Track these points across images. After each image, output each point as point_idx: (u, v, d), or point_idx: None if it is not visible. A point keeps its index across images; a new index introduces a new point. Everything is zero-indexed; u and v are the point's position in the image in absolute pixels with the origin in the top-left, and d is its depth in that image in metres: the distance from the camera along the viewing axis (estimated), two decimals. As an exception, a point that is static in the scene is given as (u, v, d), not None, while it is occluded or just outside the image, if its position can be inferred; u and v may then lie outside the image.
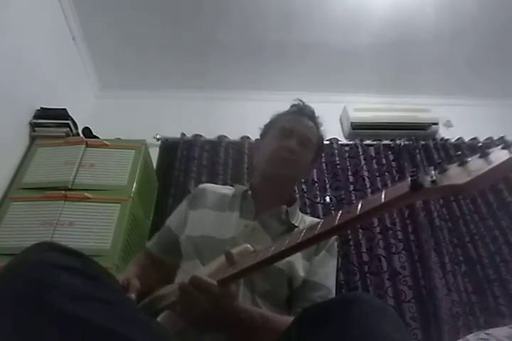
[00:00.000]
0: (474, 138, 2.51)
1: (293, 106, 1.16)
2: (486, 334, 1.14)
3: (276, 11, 2.27)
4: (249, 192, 1.04)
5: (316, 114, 1.16)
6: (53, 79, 2.18)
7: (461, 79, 2.68)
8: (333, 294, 0.91)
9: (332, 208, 2.13)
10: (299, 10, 2.26)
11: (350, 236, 2.03)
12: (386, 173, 2.30)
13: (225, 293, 0.65)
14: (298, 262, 0.90)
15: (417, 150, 2.41)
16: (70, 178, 1.82)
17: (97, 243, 1.64)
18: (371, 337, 0.53)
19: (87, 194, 1.78)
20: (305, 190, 2.18)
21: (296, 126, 1.07)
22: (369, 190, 2.22)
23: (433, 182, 0.44)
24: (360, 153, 2.38)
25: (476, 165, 0.42)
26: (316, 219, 1.10)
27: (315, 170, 2.28)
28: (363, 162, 2.34)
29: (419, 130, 2.55)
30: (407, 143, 2.45)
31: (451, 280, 1.90)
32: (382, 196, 0.49)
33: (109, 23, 2.32)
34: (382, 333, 0.53)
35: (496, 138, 2.51)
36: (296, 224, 0.99)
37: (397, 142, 2.46)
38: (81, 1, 2.22)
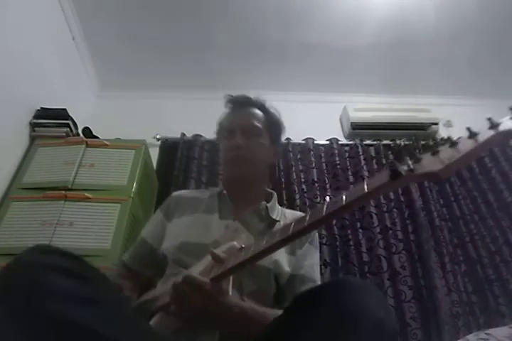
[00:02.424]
0: (474, 138, 2.51)
1: (227, 104, 1.14)
2: (486, 334, 1.14)
3: (276, 11, 2.27)
4: (225, 192, 1.04)
5: (254, 97, 1.13)
6: (53, 79, 2.18)
7: (461, 79, 2.68)
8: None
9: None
10: (299, 10, 2.26)
11: (350, 237, 2.03)
12: (386, 173, 2.30)
13: (217, 290, 0.66)
14: (282, 258, 0.90)
15: (417, 151, 2.41)
16: (70, 178, 1.82)
17: (97, 243, 1.64)
18: (357, 316, 0.55)
19: (87, 194, 1.78)
20: (305, 190, 2.18)
21: (234, 121, 1.07)
22: (369, 190, 2.22)
23: (410, 170, 0.49)
24: (360, 153, 2.38)
25: (447, 154, 0.48)
26: (297, 212, 1.14)
27: (315, 170, 2.28)
28: (363, 162, 2.34)
29: (419, 130, 2.54)
30: (407, 143, 2.45)
31: (451, 280, 1.90)
32: (365, 186, 0.53)
33: (109, 23, 2.32)
34: (367, 312, 0.56)
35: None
36: (277, 219, 0.99)
37: (397, 142, 2.46)
38: (81, 1, 2.22)
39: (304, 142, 2.45)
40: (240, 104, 1.11)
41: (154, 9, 2.24)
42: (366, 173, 2.29)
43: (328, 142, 2.46)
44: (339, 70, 2.63)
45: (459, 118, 2.65)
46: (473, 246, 2.04)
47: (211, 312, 0.66)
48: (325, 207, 0.57)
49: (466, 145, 0.47)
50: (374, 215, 2.12)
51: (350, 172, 2.30)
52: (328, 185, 2.25)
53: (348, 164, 2.35)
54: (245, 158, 1.00)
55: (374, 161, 2.36)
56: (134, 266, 1.02)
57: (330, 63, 2.58)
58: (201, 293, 0.65)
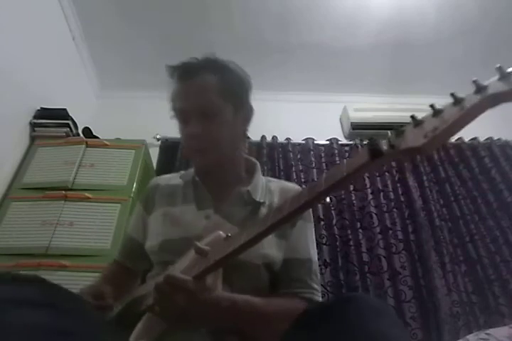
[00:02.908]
0: (474, 138, 2.51)
1: (172, 75, 0.92)
2: (486, 334, 1.14)
3: (276, 11, 2.27)
4: (197, 178, 0.94)
5: (201, 59, 0.92)
6: (53, 79, 2.18)
7: (461, 79, 2.67)
8: (316, 262, 0.88)
9: (332, 208, 2.13)
10: (300, 10, 2.26)
11: (350, 237, 2.03)
12: (386, 173, 2.30)
13: (201, 287, 0.63)
14: (272, 246, 0.83)
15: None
16: (70, 178, 1.82)
17: (97, 243, 1.64)
18: (369, 336, 0.53)
19: (87, 194, 1.78)
20: (305, 190, 2.18)
21: (183, 103, 0.88)
22: (369, 190, 2.22)
23: (391, 146, 0.44)
24: (360, 153, 2.38)
25: (431, 124, 0.42)
26: (285, 184, 1.01)
27: (315, 170, 2.28)
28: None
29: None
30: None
31: (451, 280, 1.90)
32: (344, 168, 0.50)
33: (109, 23, 2.32)
34: (380, 332, 0.53)
35: (495, 138, 2.51)
36: (261, 201, 0.89)
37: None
38: (81, 1, 2.22)
39: (303, 142, 2.45)
40: (184, 78, 0.89)
41: (154, 9, 2.24)
42: (366, 173, 2.29)
43: (328, 142, 2.46)
44: (339, 70, 2.63)
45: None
46: (473, 246, 2.04)
47: (197, 311, 0.64)
48: (306, 192, 0.54)
49: (451, 114, 0.41)
50: (374, 215, 2.12)
51: (350, 172, 2.29)
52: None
53: (348, 164, 2.34)
54: (207, 149, 0.86)
55: (374, 161, 2.36)
56: (126, 264, 1.00)
57: (330, 63, 2.58)
58: (184, 293, 0.62)
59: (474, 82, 0.41)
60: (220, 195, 0.90)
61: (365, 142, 2.46)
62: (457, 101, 0.42)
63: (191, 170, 0.98)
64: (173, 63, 0.91)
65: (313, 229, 0.94)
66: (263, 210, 0.87)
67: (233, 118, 0.89)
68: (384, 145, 0.46)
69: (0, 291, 0.47)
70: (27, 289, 0.50)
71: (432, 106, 0.43)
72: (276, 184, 0.98)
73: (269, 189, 0.94)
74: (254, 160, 1.01)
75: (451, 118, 0.41)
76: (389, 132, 0.49)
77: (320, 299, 0.84)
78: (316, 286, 0.83)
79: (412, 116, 0.45)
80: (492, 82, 0.41)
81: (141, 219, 0.98)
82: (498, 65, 0.40)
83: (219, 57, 0.93)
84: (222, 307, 0.66)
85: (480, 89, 0.41)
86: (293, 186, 0.99)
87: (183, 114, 0.89)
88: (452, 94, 0.42)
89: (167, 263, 0.79)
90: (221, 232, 0.70)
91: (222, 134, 0.87)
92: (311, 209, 0.96)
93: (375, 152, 0.46)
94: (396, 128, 0.46)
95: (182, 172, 1.02)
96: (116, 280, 0.95)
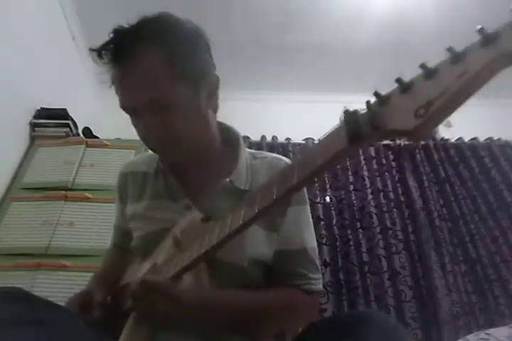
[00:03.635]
0: (474, 138, 2.51)
1: (99, 54, 0.73)
2: (486, 334, 1.14)
3: (276, 12, 2.27)
4: (161, 166, 0.81)
5: (137, 27, 0.73)
6: (53, 79, 2.18)
7: (461, 79, 2.68)
8: (313, 249, 0.79)
9: (332, 208, 2.13)
10: (300, 10, 2.26)
11: (350, 237, 2.03)
12: (386, 173, 2.30)
13: (180, 288, 0.59)
14: (259, 243, 0.74)
15: (417, 150, 2.41)
16: (70, 178, 1.82)
17: (97, 243, 1.64)
18: None
19: (87, 194, 1.78)
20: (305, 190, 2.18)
21: (127, 96, 0.69)
22: (369, 190, 2.22)
23: (375, 128, 0.34)
24: (360, 153, 2.38)
25: (424, 93, 0.31)
26: (275, 158, 0.85)
27: (315, 170, 2.28)
28: (363, 162, 2.34)
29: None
30: (407, 143, 2.45)
31: (451, 280, 1.90)
32: (318, 154, 0.41)
33: (109, 23, 2.30)
34: None
35: (495, 138, 2.51)
36: (246, 188, 0.76)
37: (397, 142, 2.46)
38: (81, 1, 2.22)
39: (303, 142, 2.45)
40: (121, 55, 0.69)
41: (155, 9, 2.24)
42: (366, 173, 2.29)
43: (328, 142, 2.45)
44: (339, 70, 2.63)
45: (459, 118, 2.65)
46: (473, 246, 2.04)
47: (180, 313, 0.59)
48: (275, 187, 0.46)
49: (450, 78, 0.29)
50: (374, 215, 2.12)
51: (350, 172, 2.30)
52: (328, 185, 2.25)
53: (348, 164, 2.35)
54: (170, 148, 0.72)
55: (374, 161, 2.36)
56: (123, 244, 0.92)
57: (330, 63, 2.58)
58: (162, 296, 0.57)
59: (480, 30, 0.29)
60: (197, 185, 0.77)
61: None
62: (456, 57, 0.30)
63: (156, 156, 0.81)
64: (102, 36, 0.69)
65: (309, 211, 0.83)
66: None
67: (193, 99, 0.70)
68: (364, 125, 0.35)
69: None
70: (12, 307, 0.48)
71: (422, 65, 0.32)
72: (262, 161, 0.83)
73: (256, 169, 0.81)
74: (234, 130, 0.86)
75: (451, 85, 0.29)
76: (369, 101, 0.37)
77: (320, 286, 0.78)
78: (313, 275, 0.76)
79: (398, 79, 0.34)
80: (503, 29, 0.28)
81: (119, 210, 0.91)
82: None
83: (156, 16, 0.72)
84: (206, 307, 0.61)
85: (489, 40, 0.29)
86: (280, 161, 0.85)
87: (130, 110, 0.70)
88: (449, 49, 0.31)
89: (146, 255, 0.74)
90: (196, 216, 0.64)
91: (184, 127, 0.69)
92: (304, 190, 0.84)
93: (354, 136, 0.36)
94: (378, 93, 0.35)
95: (151, 153, 0.84)
96: (116, 264, 0.92)
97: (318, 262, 0.80)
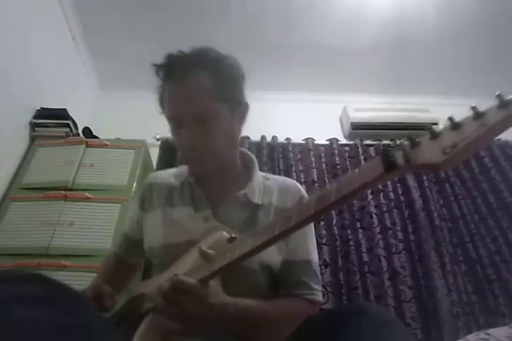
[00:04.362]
0: (474, 138, 2.51)
1: (158, 73, 0.86)
2: (486, 334, 1.14)
3: (276, 12, 2.27)
4: (192, 179, 0.90)
5: (192, 54, 0.85)
6: (53, 79, 2.18)
7: (462, 79, 2.68)
8: (316, 262, 0.88)
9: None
10: (299, 10, 2.26)
11: (350, 237, 2.03)
12: (386, 173, 2.30)
13: (208, 292, 0.63)
14: (269, 250, 0.77)
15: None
16: (70, 178, 1.82)
17: (97, 243, 1.64)
18: None
19: (87, 194, 1.78)
20: (305, 190, 2.17)
21: (176, 107, 0.82)
22: (369, 190, 2.22)
23: (407, 161, 0.42)
24: (360, 153, 2.39)
25: (450, 139, 0.39)
26: (287, 181, 0.99)
27: (315, 170, 2.28)
28: (363, 162, 2.34)
29: (419, 130, 2.54)
30: (406, 143, 2.44)
31: (451, 280, 1.90)
32: (356, 178, 0.47)
33: (109, 22, 2.32)
34: None
35: (495, 138, 2.51)
36: (259, 203, 0.86)
37: (397, 142, 2.45)
38: (81, 1, 2.22)
39: (303, 142, 2.45)
40: (177, 73, 0.82)
41: (155, 9, 2.24)
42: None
43: (328, 142, 2.46)
44: (339, 70, 2.63)
45: (459, 118, 2.65)
46: (473, 246, 2.04)
47: (205, 316, 0.62)
48: (313, 203, 0.51)
49: (472, 129, 0.38)
50: (374, 215, 2.12)
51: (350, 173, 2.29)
52: (328, 185, 2.25)
53: (348, 164, 2.35)
54: (204, 157, 0.83)
55: (374, 161, 2.35)
56: (127, 259, 1.02)
57: (330, 63, 2.58)
58: (194, 298, 0.60)
59: (498, 96, 0.38)
60: (216, 197, 0.87)
61: (365, 142, 2.46)
62: (478, 115, 0.39)
63: (184, 170, 0.93)
64: (159, 60, 0.85)
65: (313, 229, 0.94)
66: (261, 213, 0.86)
67: (230, 119, 0.84)
68: (399, 158, 0.43)
69: (3, 289, 0.47)
70: (30, 287, 0.49)
71: (450, 118, 0.41)
72: (274, 182, 0.95)
73: (268, 188, 0.91)
74: (251, 155, 0.98)
75: (472, 134, 0.38)
76: (403, 141, 0.45)
77: (320, 298, 0.84)
78: (315, 286, 0.83)
79: (430, 128, 0.43)
80: None
81: (135, 218, 0.98)
82: None
83: (208, 49, 0.85)
84: (228, 312, 0.65)
85: (504, 103, 0.37)
86: (291, 183, 0.98)
87: (176, 120, 0.83)
88: (473, 108, 0.39)
89: (167, 265, 0.78)
90: (224, 232, 0.70)
91: (220, 141, 0.82)
92: None
93: (390, 165, 0.43)
94: (411, 138, 0.43)
95: (175, 169, 0.99)
96: (114, 275, 0.97)
97: (319, 276, 0.88)
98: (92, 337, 0.48)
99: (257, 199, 0.87)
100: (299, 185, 0.99)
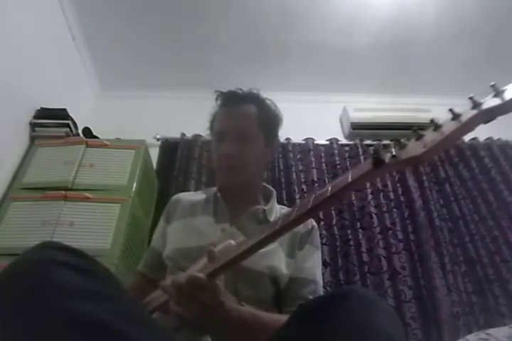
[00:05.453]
0: (474, 138, 2.51)
1: (216, 99, 1.07)
2: (486, 334, 1.14)
3: (276, 12, 2.27)
4: (219, 194, 1.01)
5: (246, 91, 1.06)
6: (53, 79, 2.18)
7: (461, 79, 2.68)
8: (321, 286, 0.93)
9: (332, 208, 2.13)
10: (299, 10, 2.26)
11: (350, 237, 2.03)
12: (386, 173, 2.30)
13: (219, 289, 0.65)
14: (281, 261, 0.89)
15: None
16: (70, 178, 1.82)
17: (97, 243, 1.64)
18: (367, 331, 0.53)
19: (87, 194, 1.78)
20: (305, 190, 2.18)
21: (225, 124, 1.00)
22: (369, 190, 2.22)
23: (393, 157, 0.49)
24: (360, 153, 2.39)
25: (431, 137, 0.47)
26: None
27: (315, 170, 2.28)
28: (363, 162, 2.33)
29: (419, 130, 2.54)
30: (406, 143, 2.44)
31: (451, 280, 1.90)
32: (349, 175, 0.55)
33: (109, 23, 2.32)
34: (377, 327, 0.54)
35: (495, 138, 2.51)
36: None
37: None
38: (81, 1, 2.22)
39: (303, 142, 2.45)
40: (230, 104, 1.03)
41: (154, 9, 2.24)
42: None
43: (328, 142, 2.46)
44: (339, 70, 2.63)
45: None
46: (473, 246, 2.04)
47: (216, 313, 0.65)
48: (311, 199, 0.58)
49: (449, 127, 0.46)
50: (374, 215, 2.12)
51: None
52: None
53: (348, 164, 2.35)
54: (237, 168, 0.96)
55: (374, 161, 2.36)
56: (151, 275, 1.03)
57: (330, 63, 2.58)
58: (207, 291, 0.63)
59: (470, 98, 0.45)
60: (237, 211, 0.95)
61: (365, 142, 2.47)
62: (455, 116, 0.46)
63: (213, 188, 1.06)
64: (221, 89, 1.08)
65: (320, 255, 1.00)
66: None
67: (263, 147, 1.00)
68: (387, 155, 0.50)
69: (44, 254, 0.57)
70: (69, 255, 0.57)
71: (432, 120, 0.48)
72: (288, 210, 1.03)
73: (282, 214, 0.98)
74: (270, 187, 1.10)
75: (448, 131, 0.46)
76: (392, 144, 0.52)
77: None
78: None
79: (415, 130, 0.50)
80: (488, 98, 0.45)
81: (162, 230, 1.04)
82: (492, 83, 0.44)
83: (260, 93, 1.07)
84: (231, 315, 0.67)
85: (476, 105, 0.45)
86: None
87: (221, 134, 0.99)
88: (450, 110, 0.47)
89: (180, 269, 0.83)
90: (232, 241, 0.72)
91: (252, 158, 0.97)
92: (318, 237, 1.03)
93: (377, 161, 0.51)
94: (398, 139, 0.51)
95: (201, 191, 1.14)
96: (137, 293, 0.96)
97: None
98: (120, 306, 0.52)
99: (273, 218, 0.95)
100: (313, 221, 1.07)
